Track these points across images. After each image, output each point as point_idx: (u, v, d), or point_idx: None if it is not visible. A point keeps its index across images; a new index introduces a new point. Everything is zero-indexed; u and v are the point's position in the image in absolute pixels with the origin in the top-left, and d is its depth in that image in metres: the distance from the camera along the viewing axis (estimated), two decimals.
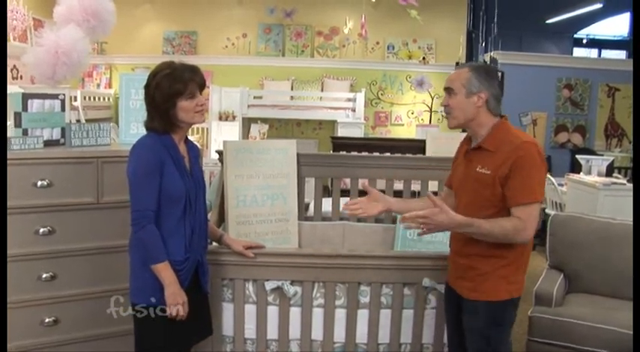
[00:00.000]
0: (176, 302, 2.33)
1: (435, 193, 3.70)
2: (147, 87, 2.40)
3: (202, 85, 2.43)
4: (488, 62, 7.57)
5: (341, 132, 8.78)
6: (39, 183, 2.86)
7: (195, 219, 2.44)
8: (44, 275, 2.92)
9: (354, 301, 2.83)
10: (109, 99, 9.21)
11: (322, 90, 9.74)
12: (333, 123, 9.60)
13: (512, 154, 2.29)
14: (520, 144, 2.31)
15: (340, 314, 2.84)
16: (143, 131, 2.45)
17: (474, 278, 2.42)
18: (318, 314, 2.84)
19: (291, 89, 9.70)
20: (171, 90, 2.33)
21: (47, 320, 2.96)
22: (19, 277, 2.86)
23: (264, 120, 8.47)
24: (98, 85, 9.81)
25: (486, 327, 2.41)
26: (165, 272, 2.32)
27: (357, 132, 8.96)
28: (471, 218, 2.29)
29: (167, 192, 2.33)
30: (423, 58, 10.14)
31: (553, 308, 3.55)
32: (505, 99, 7.63)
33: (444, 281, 2.75)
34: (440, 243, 3.43)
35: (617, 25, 14.52)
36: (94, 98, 8.74)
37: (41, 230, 2.89)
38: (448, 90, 2.45)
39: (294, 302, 2.82)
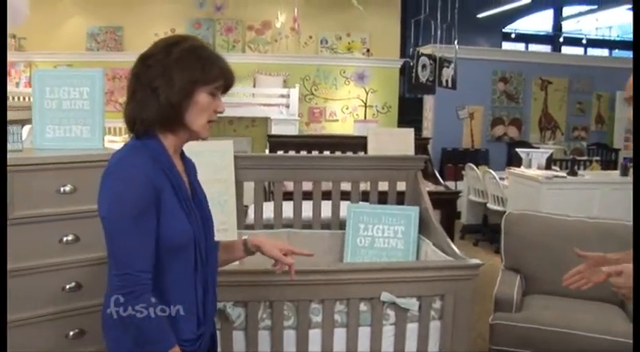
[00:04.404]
0: None
1: (403, 193, 3.36)
2: (149, 58, 1.59)
3: (228, 88, 1.72)
4: (419, 55, 7.43)
5: (275, 130, 8.48)
6: None
7: (207, 272, 1.69)
8: None
9: (305, 321, 2.52)
10: (28, 98, 8.59)
11: (254, 86, 9.39)
12: (266, 120, 9.27)
13: None
14: None
15: (290, 336, 2.52)
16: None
17: None
18: (264, 336, 2.51)
19: None
20: (205, 73, 1.60)
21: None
22: None
23: None
24: (17, 84, 9.13)
25: None
26: None
27: (292, 129, 8.70)
28: None
29: (168, 239, 1.56)
30: (367, 50, 9.93)
31: (513, 313, 3.35)
32: (441, 93, 7.52)
33: (403, 295, 2.51)
34: (394, 249, 3.18)
35: (542, 21, 14.94)
36: (12, 98, 8.11)
37: None
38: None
39: (238, 326, 2.49)
